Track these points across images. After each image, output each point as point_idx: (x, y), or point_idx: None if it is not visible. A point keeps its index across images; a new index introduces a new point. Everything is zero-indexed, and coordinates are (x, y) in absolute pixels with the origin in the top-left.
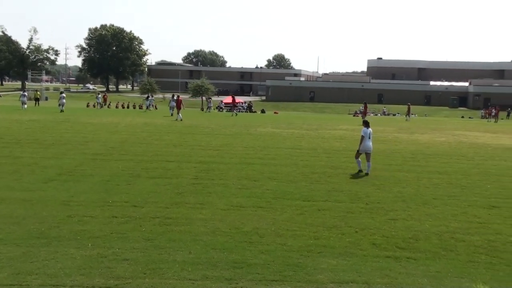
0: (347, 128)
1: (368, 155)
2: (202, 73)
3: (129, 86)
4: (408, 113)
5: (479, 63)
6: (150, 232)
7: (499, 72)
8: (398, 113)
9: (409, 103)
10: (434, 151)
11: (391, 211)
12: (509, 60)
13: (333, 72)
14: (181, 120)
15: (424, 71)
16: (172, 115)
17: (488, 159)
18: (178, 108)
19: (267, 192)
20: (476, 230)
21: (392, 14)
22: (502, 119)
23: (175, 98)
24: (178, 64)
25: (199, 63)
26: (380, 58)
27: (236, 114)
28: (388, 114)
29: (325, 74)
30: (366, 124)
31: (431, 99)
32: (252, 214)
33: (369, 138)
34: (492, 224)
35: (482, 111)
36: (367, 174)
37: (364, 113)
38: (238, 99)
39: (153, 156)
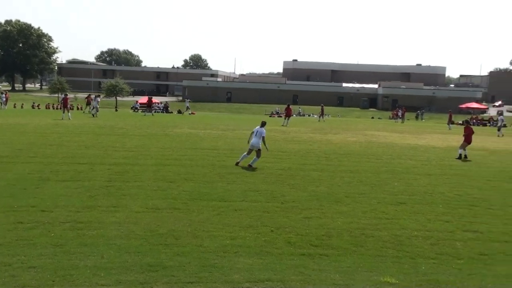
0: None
1: (254, 151)
2: (116, 73)
3: (38, 85)
4: (321, 114)
5: (388, 66)
6: (59, 238)
7: (405, 75)
8: (312, 114)
9: (322, 105)
10: (346, 150)
11: (306, 209)
12: (415, 64)
13: (250, 73)
14: (70, 119)
15: (337, 73)
16: (94, 115)
17: (395, 158)
18: (65, 107)
19: (183, 193)
20: (384, 226)
21: (307, 17)
22: (408, 119)
23: (98, 99)
24: (91, 63)
25: (113, 62)
26: (296, 60)
27: (152, 115)
28: (303, 115)
29: (242, 75)
30: (262, 123)
31: (343, 100)
32: (168, 216)
33: (255, 135)
34: (399, 219)
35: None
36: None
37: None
38: (154, 99)
39: (63, 158)
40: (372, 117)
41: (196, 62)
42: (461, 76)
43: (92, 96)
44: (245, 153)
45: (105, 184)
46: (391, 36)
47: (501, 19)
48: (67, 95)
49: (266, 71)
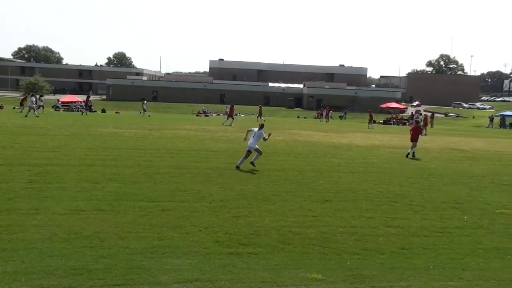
0: (190, 128)
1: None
2: (36, 70)
3: None
4: (259, 114)
5: (312, 67)
6: None
7: (329, 75)
8: (239, 113)
9: (260, 105)
10: (273, 149)
11: (234, 208)
12: (338, 65)
13: (176, 72)
14: None
15: (263, 73)
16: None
17: (321, 157)
18: None
19: (108, 194)
20: (311, 223)
21: (233, 16)
22: (332, 118)
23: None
24: (8, 60)
25: (32, 59)
26: (222, 59)
27: (86, 114)
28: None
29: (168, 74)
30: (260, 126)
31: (270, 100)
32: (92, 217)
33: (253, 137)
34: (325, 217)
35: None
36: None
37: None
38: (77, 98)
39: None
40: (298, 117)
41: (120, 60)
42: (381, 77)
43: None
44: (243, 157)
45: (25, 185)
46: (315, 36)
47: (419, 22)
48: None
49: (193, 70)
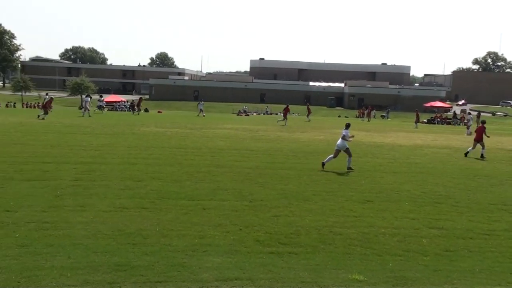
0: (231, 127)
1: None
2: (81, 71)
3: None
4: (308, 113)
5: (354, 65)
6: (25, 238)
7: (371, 74)
8: (279, 112)
9: (308, 103)
10: (313, 149)
11: (274, 208)
12: (380, 63)
13: (217, 72)
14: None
15: (304, 72)
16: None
17: (362, 156)
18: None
19: (151, 193)
20: (352, 224)
21: (274, 15)
22: (374, 117)
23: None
24: (55, 61)
25: (78, 60)
26: (263, 59)
27: (138, 114)
28: (271, 114)
29: (209, 73)
30: (346, 125)
31: (310, 99)
32: (135, 215)
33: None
34: (366, 217)
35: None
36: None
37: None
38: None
39: (28, 157)
40: (339, 116)
41: (163, 60)
42: (425, 75)
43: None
44: (331, 155)
45: (71, 183)
46: (357, 35)
47: (464, 20)
48: (51, 97)
49: (233, 70)
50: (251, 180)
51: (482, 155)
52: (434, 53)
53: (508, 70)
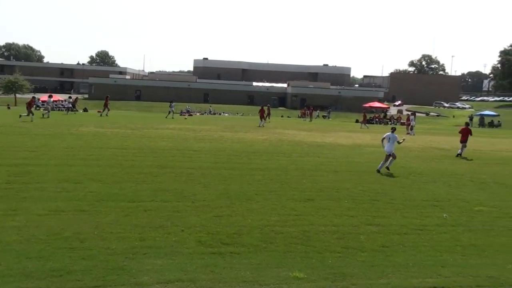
0: (174, 127)
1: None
2: (15, 68)
3: None
4: (268, 115)
5: (296, 66)
6: None
7: (313, 74)
8: (223, 112)
9: (268, 105)
10: (256, 149)
11: (217, 208)
12: (322, 64)
13: (160, 71)
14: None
15: (247, 72)
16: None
17: (304, 156)
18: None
19: (89, 195)
20: (293, 222)
21: (217, 15)
22: (318, 117)
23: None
24: None
25: (12, 57)
26: (206, 59)
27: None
28: (214, 113)
29: (151, 73)
30: (392, 130)
31: (254, 99)
32: (73, 218)
33: (388, 141)
34: (307, 215)
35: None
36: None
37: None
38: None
39: None
40: (282, 116)
41: (103, 59)
42: (364, 76)
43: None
44: (383, 161)
45: (3, 186)
46: (299, 36)
47: (402, 23)
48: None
49: (176, 69)
50: (193, 181)
51: (459, 154)
52: (373, 55)
53: (441, 72)
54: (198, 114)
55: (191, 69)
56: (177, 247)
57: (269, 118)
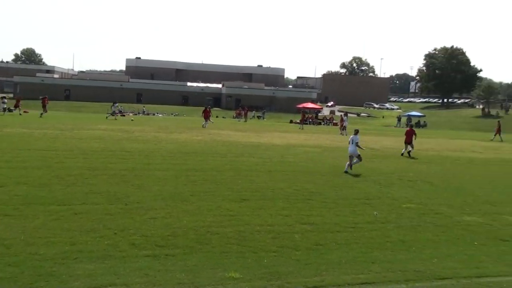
0: (106, 128)
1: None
2: None
3: None
4: (245, 114)
5: (231, 67)
6: None
7: (248, 75)
8: (157, 113)
9: (245, 107)
10: (191, 149)
11: (151, 210)
12: (256, 65)
13: (90, 70)
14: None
15: (181, 72)
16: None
17: (239, 156)
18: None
19: (15, 198)
20: (229, 223)
21: (150, 13)
22: (254, 117)
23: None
24: None
25: None
26: (139, 58)
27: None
28: (148, 114)
29: (81, 72)
30: (355, 131)
31: (188, 99)
32: None
33: (351, 143)
34: (242, 216)
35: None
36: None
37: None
38: None
39: None
40: (217, 116)
41: (29, 57)
42: (298, 77)
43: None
44: (348, 162)
45: None
46: (233, 36)
47: (334, 24)
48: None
49: (108, 69)
50: (126, 182)
51: (409, 153)
52: (306, 57)
53: (371, 74)
54: (131, 114)
55: (123, 68)
56: (109, 251)
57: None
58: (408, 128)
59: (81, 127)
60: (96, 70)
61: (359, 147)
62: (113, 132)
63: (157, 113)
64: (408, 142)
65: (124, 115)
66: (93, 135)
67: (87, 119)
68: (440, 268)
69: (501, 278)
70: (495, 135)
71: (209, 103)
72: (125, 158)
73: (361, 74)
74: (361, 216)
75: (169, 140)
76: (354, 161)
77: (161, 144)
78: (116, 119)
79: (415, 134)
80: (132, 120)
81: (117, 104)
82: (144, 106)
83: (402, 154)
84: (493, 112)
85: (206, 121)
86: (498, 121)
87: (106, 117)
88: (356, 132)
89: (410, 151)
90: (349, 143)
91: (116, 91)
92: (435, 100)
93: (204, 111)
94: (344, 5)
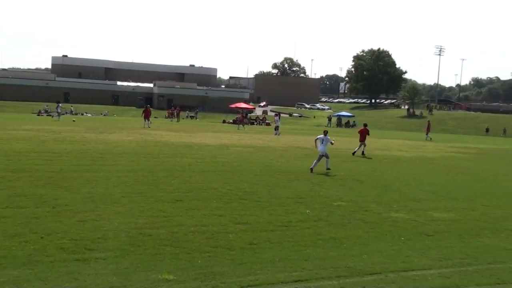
0: (31, 128)
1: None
2: None
3: None
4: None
5: (163, 66)
6: None
7: (180, 75)
8: (86, 113)
9: (148, 106)
10: (122, 150)
11: (80, 212)
12: (188, 65)
13: (13, 68)
14: None
15: (111, 71)
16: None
17: (172, 157)
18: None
19: None
20: (162, 224)
21: (77, 10)
22: (187, 117)
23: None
24: None
25: None
26: (66, 56)
27: None
28: (76, 114)
29: (4, 69)
30: (325, 132)
31: (119, 99)
32: None
33: (322, 143)
34: (176, 216)
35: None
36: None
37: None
38: None
39: None
40: None
41: None
42: (230, 77)
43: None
44: (316, 160)
45: None
46: (165, 35)
47: (266, 25)
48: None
49: (33, 67)
50: (54, 184)
51: (363, 153)
52: (238, 57)
53: (302, 74)
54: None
55: (49, 66)
56: (36, 256)
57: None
58: (362, 128)
59: (3, 127)
60: (20, 68)
61: (332, 143)
62: (39, 132)
63: (86, 113)
64: (362, 140)
65: (50, 115)
66: (17, 136)
67: (10, 119)
68: (370, 264)
69: (426, 272)
70: (427, 134)
71: (138, 103)
72: (52, 160)
73: (293, 75)
74: (294, 214)
75: (99, 140)
76: (326, 161)
77: (90, 145)
78: (59, 119)
79: (368, 133)
80: (73, 120)
81: (60, 105)
82: (72, 106)
83: (353, 154)
84: (417, 112)
85: (146, 121)
86: (428, 121)
87: (52, 116)
88: (326, 133)
89: (363, 150)
90: (320, 142)
91: (41, 90)
92: (364, 100)
93: (144, 111)
94: (275, 5)
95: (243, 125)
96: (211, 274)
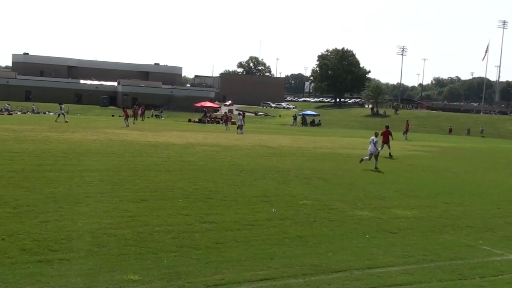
0: None
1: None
2: None
3: None
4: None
5: (127, 64)
6: None
7: (144, 73)
8: (48, 111)
9: (124, 107)
10: (86, 149)
11: (43, 213)
12: (153, 63)
13: None
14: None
15: (74, 70)
16: None
17: (137, 156)
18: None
19: None
20: (127, 224)
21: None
22: (152, 116)
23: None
24: None
25: None
26: (27, 54)
27: None
28: (38, 112)
29: None
30: (375, 134)
31: (82, 97)
32: None
33: (371, 143)
34: (141, 216)
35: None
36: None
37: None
38: None
39: None
40: (113, 115)
41: None
42: (196, 76)
43: None
44: (367, 157)
45: None
46: (129, 34)
47: (229, 24)
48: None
49: None
50: (15, 185)
51: (390, 154)
52: (204, 56)
53: (267, 74)
54: (19, 113)
55: (10, 64)
56: None
57: (128, 119)
58: (385, 130)
59: None
60: None
61: (375, 144)
62: (1, 132)
63: (48, 111)
64: (385, 142)
65: (11, 114)
66: None
67: None
68: (335, 261)
69: (390, 269)
70: (406, 133)
71: (102, 101)
72: (13, 159)
73: (258, 74)
74: (260, 213)
75: (62, 140)
76: (375, 161)
77: (53, 144)
78: (67, 122)
79: (391, 135)
80: (66, 121)
81: (63, 106)
82: (33, 105)
83: (390, 156)
84: (381, 111)
85: (127, 121)
86: (407, 121)
87: (56, 120)
88: (376, 134)
89: (389, 152)
90: (369, 143)
91: (2, 88)
92: (328, 99)
93: (125, 110)
94: (240, 4)
95: (226, 124)
96: (177, 274)
